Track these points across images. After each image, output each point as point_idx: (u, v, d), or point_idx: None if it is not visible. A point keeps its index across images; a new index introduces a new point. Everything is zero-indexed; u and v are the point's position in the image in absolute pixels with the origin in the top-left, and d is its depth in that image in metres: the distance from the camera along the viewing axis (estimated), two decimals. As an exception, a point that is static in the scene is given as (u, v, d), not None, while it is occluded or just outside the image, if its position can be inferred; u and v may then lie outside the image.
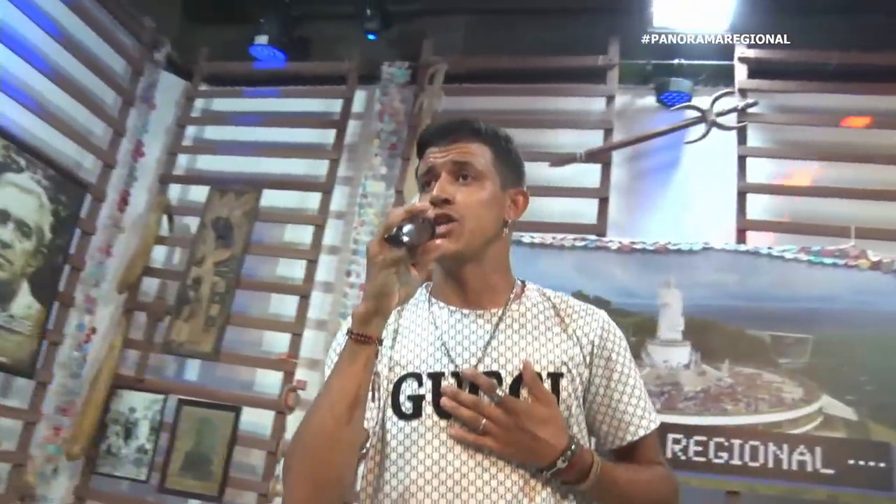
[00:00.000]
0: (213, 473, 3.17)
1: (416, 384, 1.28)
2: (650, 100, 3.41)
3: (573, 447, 1.22)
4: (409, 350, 1.33)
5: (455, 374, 1.28)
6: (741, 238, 3.01)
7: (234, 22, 4.08)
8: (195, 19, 4.20)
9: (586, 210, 3.25)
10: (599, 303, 3.00)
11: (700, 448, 2.74)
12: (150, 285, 3.65)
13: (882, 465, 2.58)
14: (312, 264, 3.50)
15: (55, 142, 3.31)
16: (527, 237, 3.20)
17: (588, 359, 1.34)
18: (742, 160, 3.12)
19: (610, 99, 3.37)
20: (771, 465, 2.66)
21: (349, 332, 1.16)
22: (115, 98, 3.67)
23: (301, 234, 3.64)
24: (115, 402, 3.38)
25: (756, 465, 2.67)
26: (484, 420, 1.20)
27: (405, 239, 1.09)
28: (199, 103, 4.04)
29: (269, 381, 3.39)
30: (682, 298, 2.95)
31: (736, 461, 2.69)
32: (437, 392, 1.27)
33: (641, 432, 1.36)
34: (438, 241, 1.19)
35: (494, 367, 1.28)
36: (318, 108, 3.86)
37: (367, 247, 1.15)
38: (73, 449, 3.21)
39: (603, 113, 3.38)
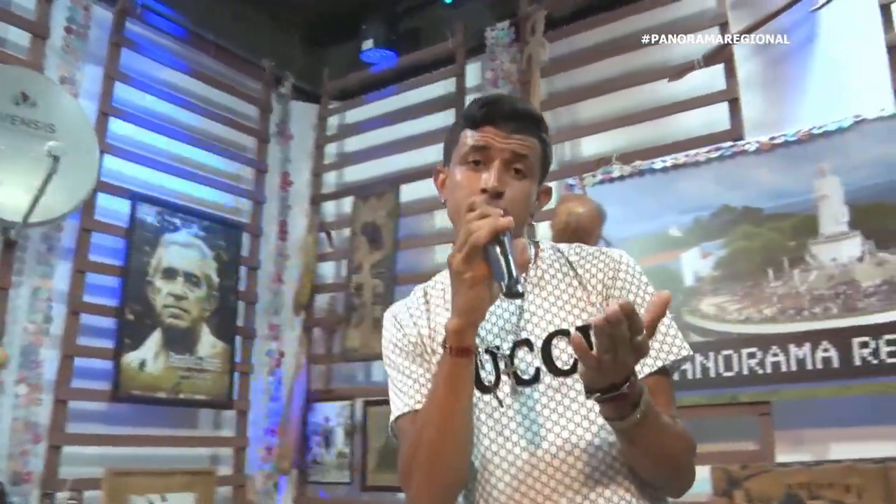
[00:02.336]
0: (406, 466, 3.26)
1: None
2: (766, -24, 3.01)
3: (632, 373, 1.09)
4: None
5: (488, 352, 1.31)
6: (901, 99, 2.56)
7: (348, 36, 4.20)
8: (314, 45, 4.37)
9: (718, 118, 2.94)
10: (749, 212, 2.72)
11: (893, 348, 2.36)
12: (323, 301, 3.85)
13: None
14: (462, 245, 3.50)
15: (208, 196, 3.64)
16: (658, 162, 2.96)
17: (604, 303, 1.29)
18: (886, 9, 2.65)
19: (719, -10, 3.03)
20: None
21: (448, 347, 1.17)
22: (253, 140, 3.92)
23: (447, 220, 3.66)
24: (312, 415, 3.60)
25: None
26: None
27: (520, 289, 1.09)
28: (332, 121, 4.21)
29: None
30: (842, 185, 2.56)
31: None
32: (476, 368, 1.28)
33: (646, 370, 1.24)
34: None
35: (524, 335, 1.30)
36: (435, 93, 3.85)
37: (448, 261, 1.16)
38: (282, 464, 3.47)
39: (714, 8, 3.04)
